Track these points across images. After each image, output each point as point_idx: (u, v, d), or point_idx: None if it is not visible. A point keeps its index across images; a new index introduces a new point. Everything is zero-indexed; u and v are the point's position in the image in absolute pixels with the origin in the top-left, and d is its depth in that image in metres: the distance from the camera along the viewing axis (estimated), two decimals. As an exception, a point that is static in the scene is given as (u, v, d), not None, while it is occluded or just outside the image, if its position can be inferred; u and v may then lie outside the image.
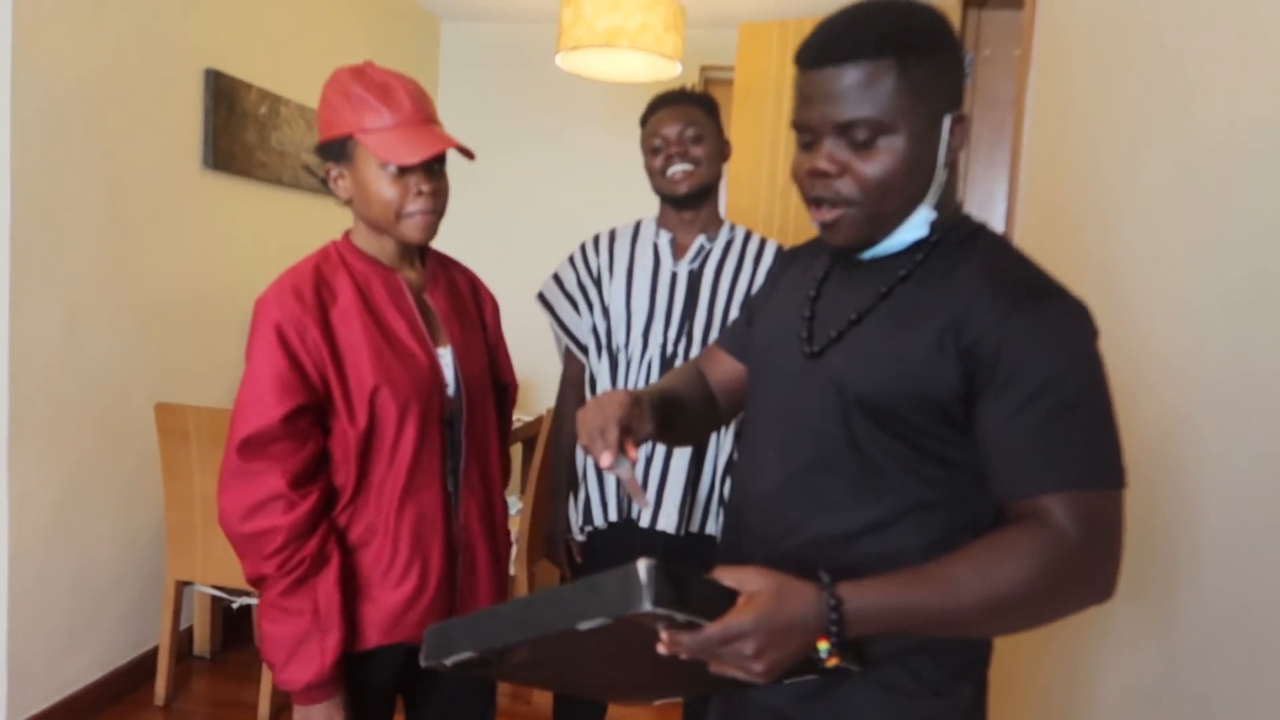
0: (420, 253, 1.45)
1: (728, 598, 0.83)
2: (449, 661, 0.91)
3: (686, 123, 1.74)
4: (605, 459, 0.95)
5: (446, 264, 1.50)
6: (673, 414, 1.10)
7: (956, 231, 0.97)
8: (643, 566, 0.77)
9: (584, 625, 0.80)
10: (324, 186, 3.37)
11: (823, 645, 0.83)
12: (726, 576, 0.84)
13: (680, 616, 0.78)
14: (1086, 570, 0.85)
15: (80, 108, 2.35)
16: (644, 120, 1.82)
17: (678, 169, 1.75)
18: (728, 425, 1.80)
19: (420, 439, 1.32)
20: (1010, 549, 0.84)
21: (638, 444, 1.00)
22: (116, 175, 2.50)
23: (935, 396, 0.90)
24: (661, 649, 0.82)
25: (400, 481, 1.32)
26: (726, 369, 1.24)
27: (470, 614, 0.91)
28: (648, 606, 0.76)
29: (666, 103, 1.79)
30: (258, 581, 1.27)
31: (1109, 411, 0.87)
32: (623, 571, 0.78)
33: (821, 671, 0.91)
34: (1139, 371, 1.36)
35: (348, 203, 1.36)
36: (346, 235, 1.40)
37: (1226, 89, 1.26)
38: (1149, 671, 1.37)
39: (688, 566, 0.86)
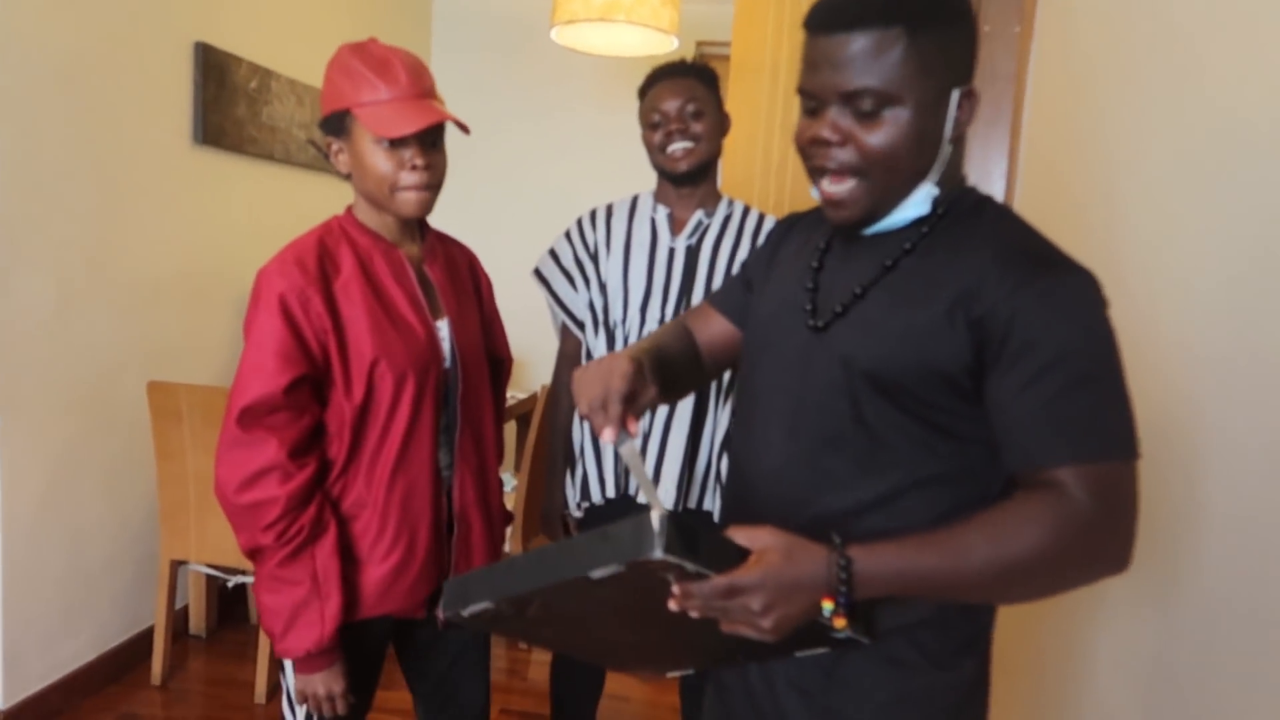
0: (420, 228, 1.45)
1: (738, 554, 0.84)
2: (465, 613, 0.92)
3: (687, 97, 1.72)
4: (608, 434, 0.93)
5: (445, 240, 1.51)
6: (666, 375, 1.08)
7: (961, 203, 0.96)
8: (655, 515, 0.78)
9: (597, 573, 0.80)
10: (318, 162, 3.37)
11: (827, 605, 0.83)
12: (738, 535, 0.85)
13: (690, 566, 0.79)
14: (1100, 541, 0.85)
15: (66, 83, 2.32)
16: (642, 93, 1.79)
17: (677, 146, 1.72)
18: (724, 399, 1.80)
19: (414, 412, 1.33)
20: (1023, 517, 0.84)
21: (639, 415, 0.98)
22: (105, 152, 2.46)
23: (944, 370, 0.89)
24: (671, 605, 0.83)
25: (393, 455, 1.32)
26: (717, 329, 1.22)
27: (486, 566, 0.92)
28: (658, 553, 0.77)
29: (666, 75, 1.76)
30: (254, 553, 1.28)
31: (1121, 382, 0.86)
32: (636, 520, 0.79)
33: (832, 643, 0.91)
34: (1142, 352, 1.35)
35: (348, 177, 1.37)
36: (349, 210, 1.40)
37: (1231, 66, 1.24)
38: (1146, 650, 1.38)
39: (700, 523, 0.86)
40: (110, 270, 2.52)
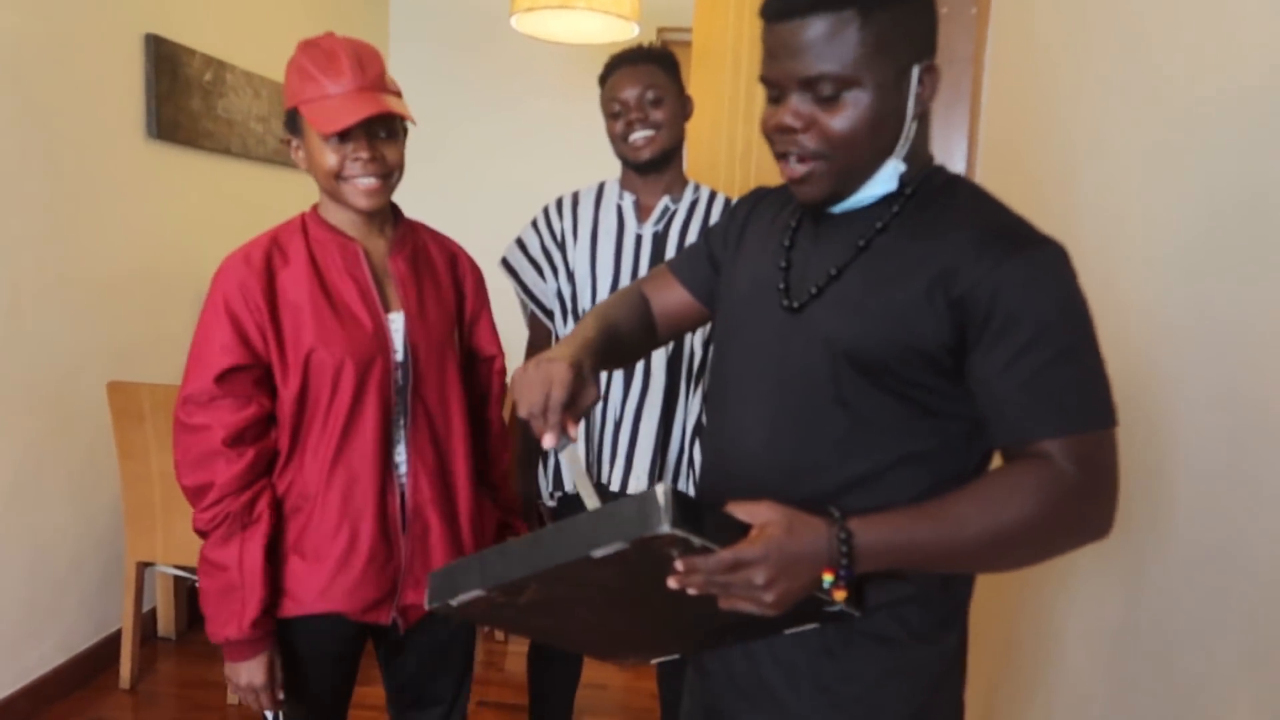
0: (393, 221, 1.44)
1: (739, 528, 0.84)
2: (455, 602, 0.92)
3: (646, 85, 1.71)
4: (548, 440, 0.94)
5: (421, 233, 1.49)
6: (612, 354, 1.09)
7: (931, 181, 0.97)
8: (660, 490, 0.78)
9: (599, 552, 0.80)
10: (277, 156, 3.32)
11: (828, 577, 0.85)
12: (738, 510, 0.85)
13: (696, 540, 0.79)
14: (1086, 507, 0.88)
15: (11, 78, 2.26)
16: (602, 81, 1.78)
17: (639, 135, 1.72)
18: (695, 385, 1.80)
19: (355, 403, 1.32)
20: (1013, 486, 0.86)
21: (578, 419, 0.98)
22: (55, 148, 2.41)
23: (925, 348, 0.90)
24: (672, 582, 0.83)
25: (332, 445, 1.32)
26: (675, 298, 1.22)
27: (475, 554, 0.91)
28: (665, 528, 0.76)
29: (624, 63, 1.74)
30: (201, 536, 1.32)
31: (1098, 351, 0.89)
32: (640, 496, 0.79)
33: (823, 618, 0.92)
34: (1101, 322, 1.38)
35: (309, 172, 1.37)
36: (314, 206, 1.40)
37: (1185, 41, 1.26)
38: (1112, 619, 1.41)
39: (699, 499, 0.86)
40: (64, 269, 2.46)
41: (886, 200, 0.97)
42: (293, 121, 1.33)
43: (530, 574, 0.85)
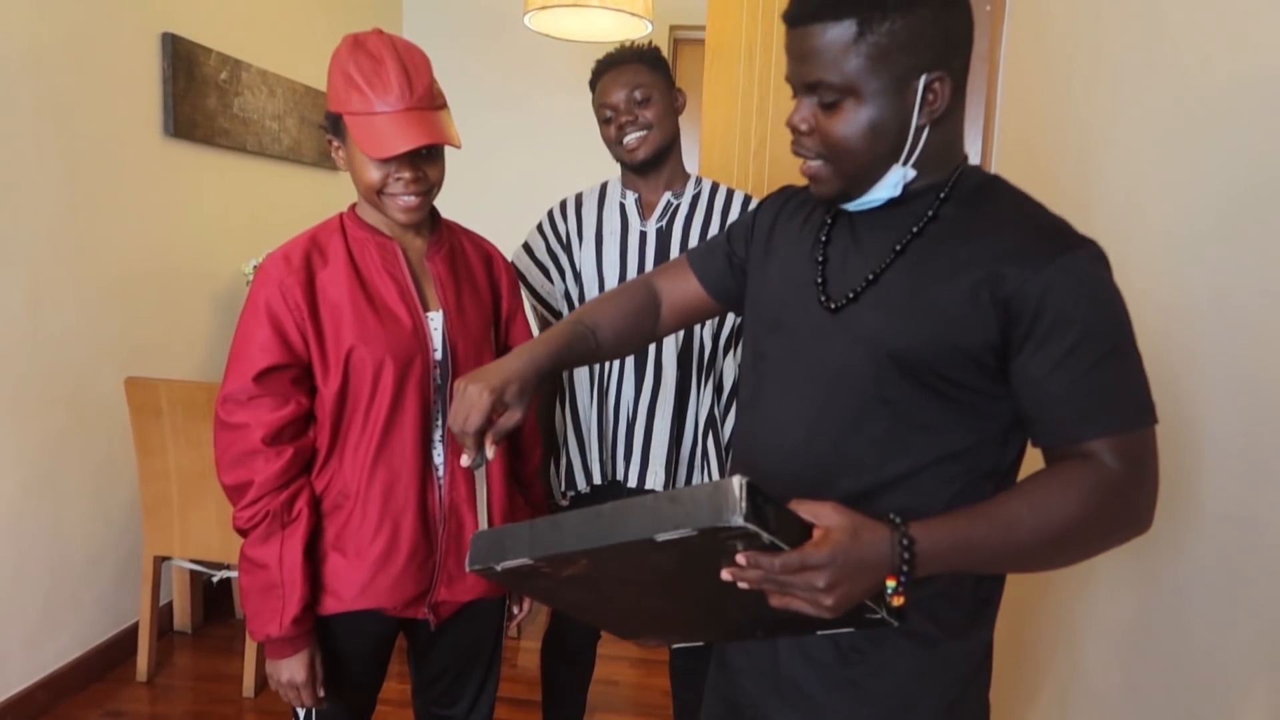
0: (432, 220, 1.44)
1: (805, 528, 0.84)
2: (499, 567, 0.92)
3: (632, 86, 1.71)
4: (464, 460, 1.04)
5: (458, 234, 1.50)
6: (583, 357, 1.16)
7: (967, 181, 0.97)
8: (737, 481, 0.77)
9: (664, 536, 0.79)
10: (293, 154, 3.34)
11: (891, 583, 0.85)
12: (802, 509, 0.85)
13: (766, 536, 0.79)
14: (1132, 504, 0.89)
15: (31, 77, 2.28)
16: (592, 86, 1.79)
17: (632, 137, 1.72)
18: (706, 379, 1.80)
19: (395, 401, 1.33)
20: (1064, 486, 0.87)
21: (498, 440, 1.05)
22: (73, 146, 2.43)
23: (970, 348, 0.91)
24: (726, 575, 0.82)
25: (373, 443, 1.33)
26: (690, 291, 1.23)
27: (526, 522, 0.91)
28: (739, 520, 0.75)
29: (609, 67, 1.75)
30: (240, 534, 1.32)
31: (1138, 352, 0.90)
32: (714, 486, 0.78)
33: (862, 623, 0.91)
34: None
35: (349, 173, 1.37)
36: (351, 206, 1.42)
37: (1200, 28, 1.26)
38: (1126, 617, 1.40)
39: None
40: (82, 267, 2.49)
41: (922, 200, 0.97)
42: (336, 124, 1.32)
43: (585, 549, 0.84)
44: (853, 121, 0.90)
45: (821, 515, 0.84)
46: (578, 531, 0.86)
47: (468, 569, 0.95)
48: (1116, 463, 0.87)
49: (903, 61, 0.88)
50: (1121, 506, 0.88)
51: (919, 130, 0.92)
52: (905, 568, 0.84)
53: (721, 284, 1.21)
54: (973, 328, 0.90)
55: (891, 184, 0.95)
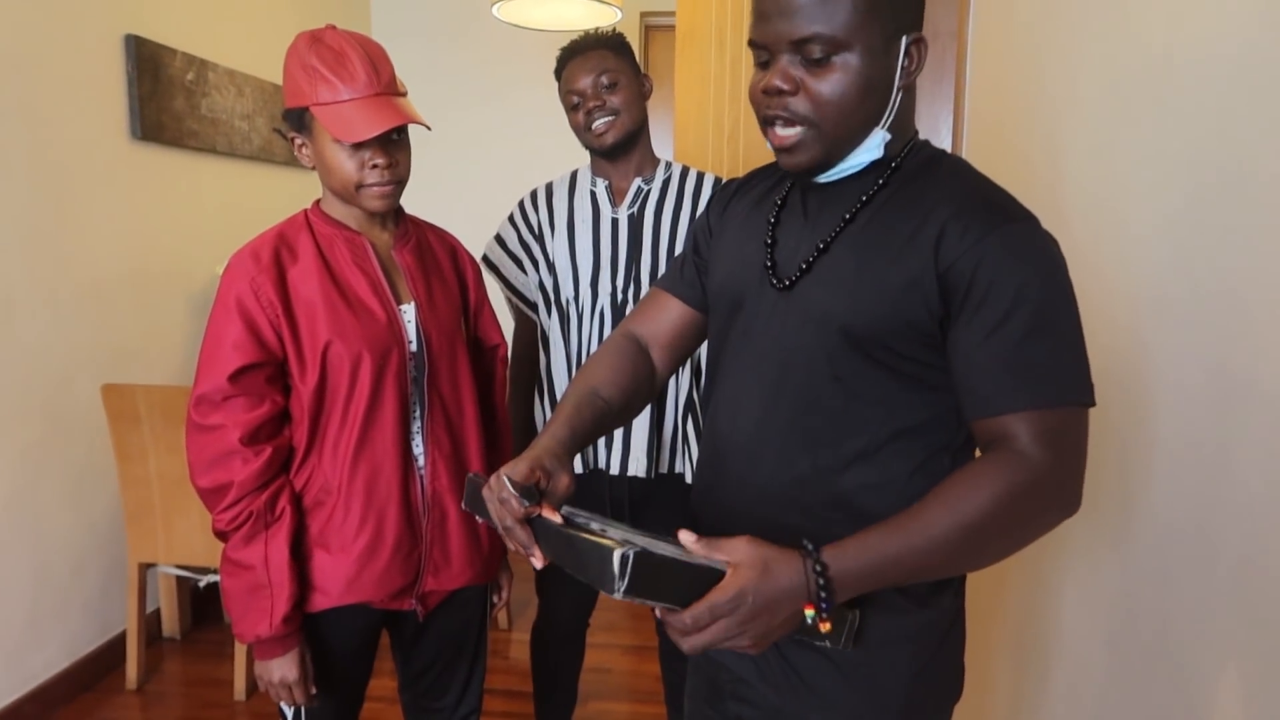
0: (395, 214, 1.44)
1: (712, 577, 0.83)
2: (480, 520, 0.99)
3: (598, 71, 1.70)
4: (535, 562, 0.93)
5: (422, 226, 1.51)
6: (599, 415, 1.08)
7: (916, 155, 0.98)
8: (616, 557, 0.77)
9: (576, 575, 0.83)
10: (264, 154, 3.31)
11: (809, 612, 0.84)
12: (715, 548, 0.85)
13: (654, 604, 0.80)
14: (1051, 487, 0.87)
15: (-5, 81, 2.25)
16: (558, 75, 1.78)
17: (599, 122, 1.72)
18: (682, 365, 1.81)
19: (374, 395, 1.33)
20: (976, 480, 0.86)
21: (558, 507, 0.96)
22: (40, 153, 2.40)
23: (917, 320, 0.91)
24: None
25: (354, 438, 1.33)
26: (673, 317, 1.19)
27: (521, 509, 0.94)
28: (618, 596, 0.77)
29: (574, 54, 1.74)
30: (219, 537, 1.32)
31: (1078, 328, 0.89)
32: (601, 554, 0.79)
33: (821, 637, 0.91)
34: (1087, 295, 1.38)
35: (313, 169, 1.36)
36: (316, 203, 1.41)
37: (1164, 9, 1.27)
38: (1107, 586, 1.42)
39: (673, 544, 0.86)
40: (54, 274, 2.46)
41: (872, 174, 0.97)
42: (299, 120, 1.32)
43: (552, 558, 0.89)
44: (845, 79, 0.89)
45: (735, 551, 0.84)
46: (552, 546, 0.89)
47: (464, 508, 0.99)
48: (1034, 445, 0.86)
49: (891, 18, 0.89)
50: (1038, 493, 0.86)
51: (897, 93, 0.93)
52: (823, 594, 0.84)
53: (700, 294, 1.18)
54: (917, 300, 0.90)
55: (873, 146, 0.95)
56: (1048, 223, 0.92)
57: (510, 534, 0.93)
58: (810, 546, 0.85)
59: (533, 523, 0.92)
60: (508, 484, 0.91)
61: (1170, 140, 1.24)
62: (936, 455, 0.94)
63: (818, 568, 0.84)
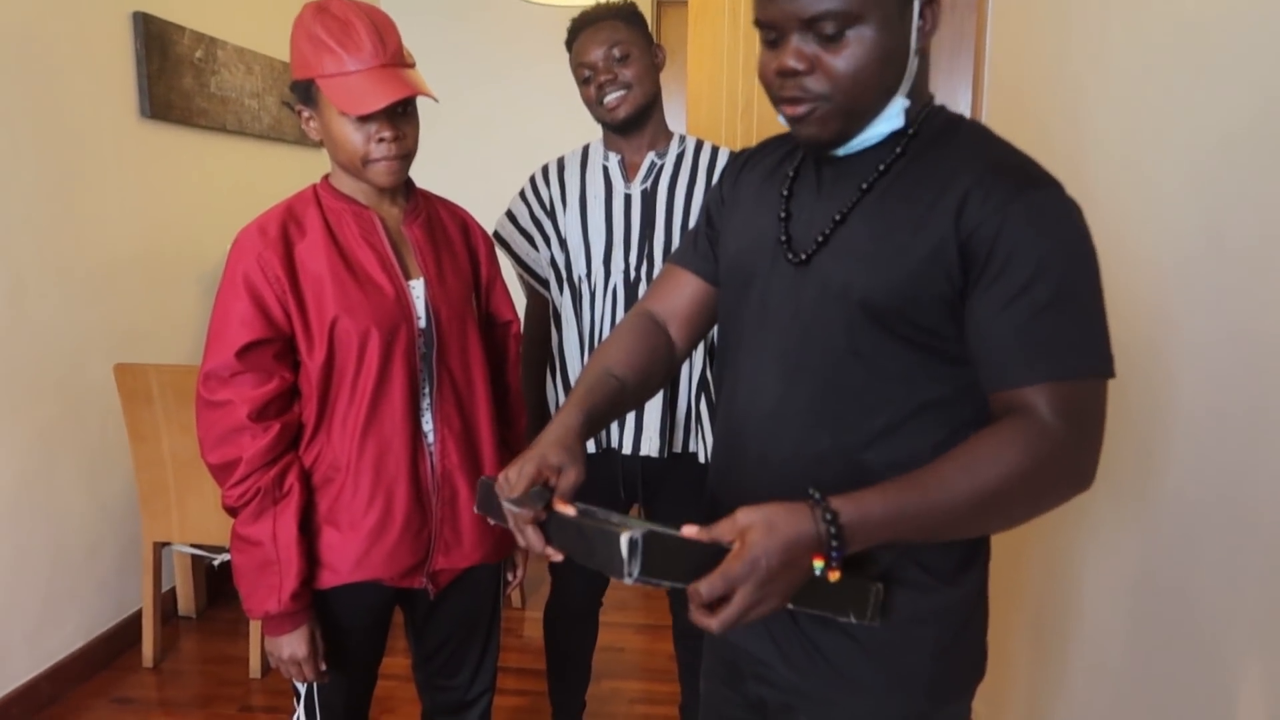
0: (405, 188, 1.42)
1: (722, 551, 0.82)
2: (493, 522, 0.99)
3: (610, 43, 1.66)
4: (552, 555, 0.93)
5: (433, 201, 1.48)
6: (612, 397, 1.05)
7: (933, 122, 0.94)
8: (624, 541, 0.77)
9: (587, 564, 0.83)
10: (274, 132, 3.29)
11: (818, 563, 0.82)
12: (720, 528, 0.83)
13: (666, 584, 0.80)
14: (1068, 460, 0.85)
15: (1, 62, 2.23)
16: (569, 47, 1.74)
17: (612, 96, 1.68)
18: (701, 340, 1.78)
19: (382, 371, 1.31)
20: (996, 445, 0.84)
21: (567, 499, 0.94)
22: (49, 133, 2.39)
23: (939, 291, 0.88)
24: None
25: (362, 414, 1.31)
26: (690, 293, 1.15)
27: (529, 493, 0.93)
28: (631, 580, 0.78)
29: (585, 25, 1.70)
30: (230, 514, 1.31)
31: (1099, 300, 0.86)
32: (608, 538, 0.80)
33: (847, 613, 0.90)
34: (1111, 265, 1.35)
35: (320, 143, 1.34)
36: (325, 177, 1.39)
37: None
38: (1129, 560, 1.40)
39: (677, 525, 0.85)
40: (65, 255, 2.45)
41: (889, 143, 0.94)
42: (305, 92, 1.29)
43: (565, 553, 0.89)
44: (861, 51, 0.86)
45: (735, 524, 0.82)
46: (563, 538, 0.90)
47: (476, 511, 0.99)
48: (1054, 416, 0.84)
49: None
50: (1055, 462, 0.84)
51: (914, 58, 0.89)
52: (834, 543, 0.82)
53: (716, 269, 1.14)
54: (939, 270, 0.87)
55: (894, 115, 0.92)
56: (1070, 188, 0.89)
57: (524, 535, 0.93)
58: (817, 495, 0.83)
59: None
60: (513, 507, 0.92)
61: (1194, 94, 1.20)
62: (960, 430, 0.91)
63: (827, 516, 0.82)
